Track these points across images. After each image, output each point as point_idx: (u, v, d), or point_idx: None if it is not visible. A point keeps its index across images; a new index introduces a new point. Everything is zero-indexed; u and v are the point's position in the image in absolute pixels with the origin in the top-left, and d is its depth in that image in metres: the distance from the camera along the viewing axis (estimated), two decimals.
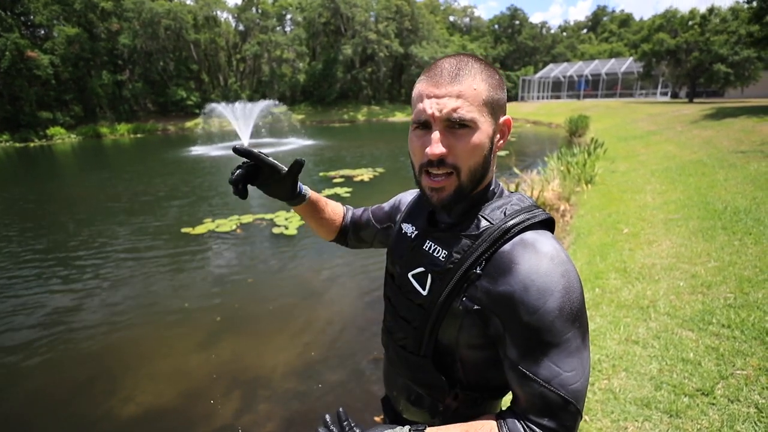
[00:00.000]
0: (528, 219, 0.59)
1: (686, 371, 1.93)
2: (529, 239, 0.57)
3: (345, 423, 0.71)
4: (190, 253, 5.03)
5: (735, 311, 2.32)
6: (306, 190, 0.86)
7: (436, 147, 0.57)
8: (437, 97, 0.57)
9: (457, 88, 0.57)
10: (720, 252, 3.09)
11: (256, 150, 0.74)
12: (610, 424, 1.72)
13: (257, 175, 0.77)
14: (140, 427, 2.29)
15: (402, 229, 0.76)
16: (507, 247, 0.58)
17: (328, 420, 0.73)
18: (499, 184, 0.68)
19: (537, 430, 0.54)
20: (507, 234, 0.58)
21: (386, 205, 0.92)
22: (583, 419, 1.77)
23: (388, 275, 0.79)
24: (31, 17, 27.52)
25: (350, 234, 0.97)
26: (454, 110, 0.56)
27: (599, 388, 1.94)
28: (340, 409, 0.74)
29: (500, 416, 0.59)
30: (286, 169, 0.77)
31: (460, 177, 0.59)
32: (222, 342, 3.09)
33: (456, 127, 0.57)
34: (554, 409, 0.54)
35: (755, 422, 1.59)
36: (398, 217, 0.84)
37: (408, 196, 0.86)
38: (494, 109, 0.59)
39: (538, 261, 0.55)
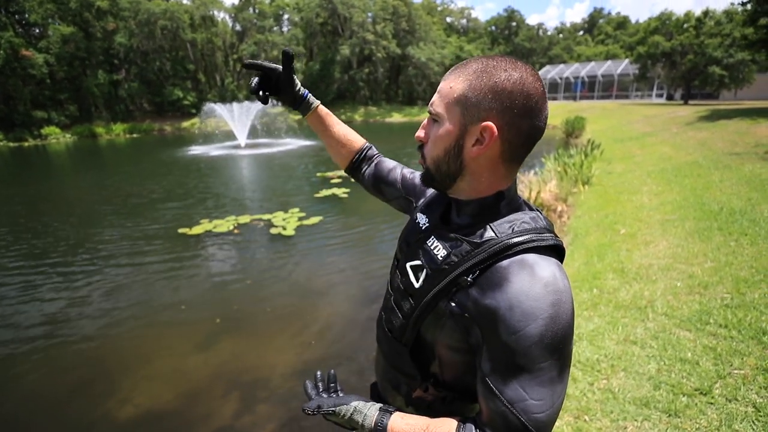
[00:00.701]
0: (534, 240, 0.58)
1: (684, 371, 1.95)
2: (530, 260, 0.56)
3: (332, 384, 0.76)
4: (188, 254, 5.00)
5: (732, 311, 2.34)
6: (312, 99, 0.91)
7: (419, 131, 0.67)
8: None
9: (441, 84, 0.63)
10: (716, 252, 3.12)
11: (259, 61, 0.84)
12: (610, 424, 1.73)
13: (269, 84, 0.86)
14: (138, 428, 2.28)
15: (417, 219, 0.77)
16: (505, 263, 0.57)
17: (318, 376, 0.78)
18: (519, 199, 0.67)
19: None
20: (508, 250, 0.57)
21: (417, 178, 0.91)
22: (582, 419, 1.77)
23: (395, 259, 0.80)
24: (26, 16, 27.27)
25: (366, 174, 0.97)
26: (432, 102, 0.64)
27: (598, 388, 1.95)
28: (332, 371, 0.78)
29: (463, 421, 0.60)
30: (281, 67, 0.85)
31: (426, 161, 0.66)
32: (221, 343, 3.08)
33: (434, 119, 0.64)
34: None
35: (753, 421, 1.61)
36: (420, 201, 0.85)
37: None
38: (467, 109, 0.58)
39: (531, 284, 0.54)
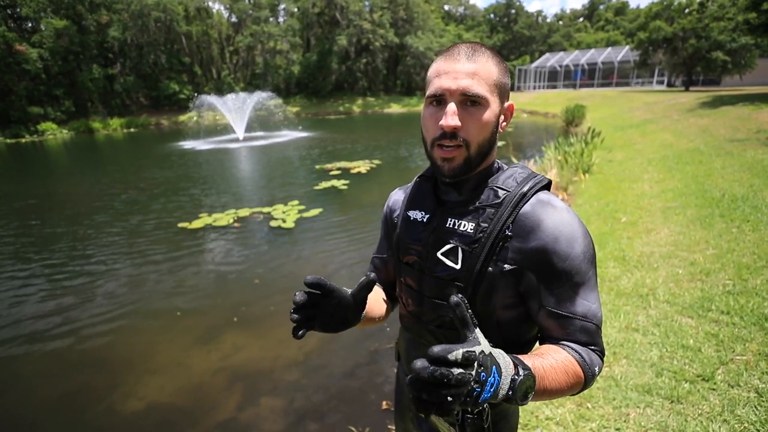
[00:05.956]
0: (537, 183, 0.67)
1: (687, 357, 1.95)
2: (545, 198, 0.65)
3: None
4: (189, 248, 4.99)
5: (734, 298, 2.33)
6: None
7: (451, 119, 0.61)
8: (454, 72, 0.62)
9: (473, 66, 0.62)
10: (718, 239, 3.11)
11: (323, 280, 0.68)
12: (612, 411, 1.73)
13: (315, 308, 0.74)
14: (143, 421, 2.29)
15: (410, 217, 0.75)
16: (527, 207, 0.64)
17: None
18: (499, 162, 0.74)
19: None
20: (524, 197, 0.64)
21: (381, 231, 0.90)
22: (585, 407, 1.78)
23: (403, 265, 0.77)
24: (18, 10, 26.87)
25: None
26: (470, 86, 0.61)
27: (601, 375, 1.95)
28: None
29: (564, 347, 0.64)
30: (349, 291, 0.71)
31: (470, 150, 0.64)
32: (222, 336, 3.09)
33: (468, 103, 0.62)
34: (593, 336, 0.63)
35: (755, 406, 1.61)
36: (395, 213, 0.83)
37: (397, 194, 0.86)
38: (501, 92, 0.65)
39: (560, 215, 0.63)
